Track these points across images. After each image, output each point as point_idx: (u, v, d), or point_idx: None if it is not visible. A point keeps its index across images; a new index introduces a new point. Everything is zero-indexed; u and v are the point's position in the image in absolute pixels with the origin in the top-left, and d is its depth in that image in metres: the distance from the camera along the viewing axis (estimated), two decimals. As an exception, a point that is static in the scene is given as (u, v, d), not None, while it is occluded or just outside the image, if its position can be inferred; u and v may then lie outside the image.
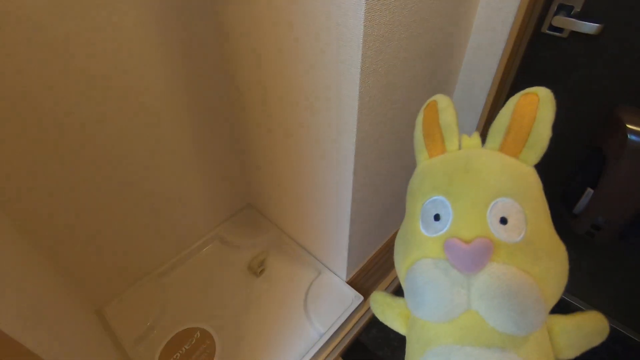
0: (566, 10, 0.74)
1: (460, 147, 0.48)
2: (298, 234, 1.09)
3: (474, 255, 0.39)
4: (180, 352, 0.85)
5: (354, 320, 0.96)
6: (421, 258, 0.44)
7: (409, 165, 0.95)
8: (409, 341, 0.51)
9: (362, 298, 0.96)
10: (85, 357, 0.57)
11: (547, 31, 0.79)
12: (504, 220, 0.40)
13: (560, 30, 0.77)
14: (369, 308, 1.00)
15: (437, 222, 0.43)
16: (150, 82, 0.76)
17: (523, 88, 0.83)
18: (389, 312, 0.58)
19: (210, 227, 1.14)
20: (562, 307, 0.43)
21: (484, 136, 0.48)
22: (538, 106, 0.42)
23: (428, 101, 0.50)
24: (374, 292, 0.64)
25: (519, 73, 0.86)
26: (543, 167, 0.45)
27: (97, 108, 0.71)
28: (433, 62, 0.74)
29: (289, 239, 1.11)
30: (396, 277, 1.08)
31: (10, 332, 0.32)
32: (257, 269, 1.03)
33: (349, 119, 0.64)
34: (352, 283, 1.00)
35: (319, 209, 0.90)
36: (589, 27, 0.72)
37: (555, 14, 0.75)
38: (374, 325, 1.04)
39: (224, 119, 0.97)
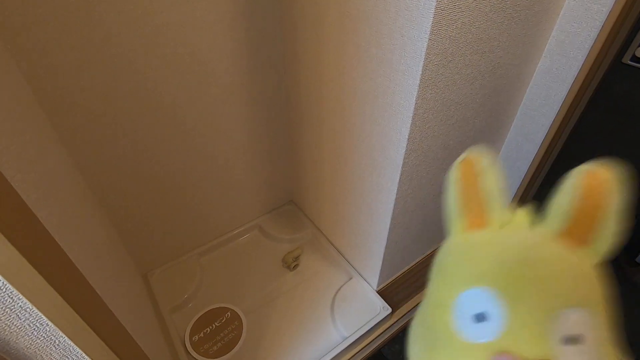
0: (653, 41, 0.69)
1: (506, 222, 0.39)
2: (335, 236, 1.10)
3: None
4: (211, 327, 0.90)
5: (379, 331, 0.96)
6: None
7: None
8: None
9: (390, 310, 0.95)
10: (135, 313, 0.63)
11: (629, 62, 0.74)
12: (573, 340, 0.30)
13: (643, 62, 0.72)
14: (395, 321, 0.98)
15: (481, 325, 0.33)
16: (221, 74, 0.83)
17: (595, 119, 0.73)
18: None
19: (252, 217, 1.19)
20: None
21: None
22: (610, 189, 0.34)
23: (462, 157, 0.41)
24: None
25: (591, 103, 0.81)
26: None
27: (175, 92, 0.79)
28: (495, 82, 0.73)
29: (325, 240, 1.13)
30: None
31: (86, 274, 0.38)
32: (291, 263, 1.06)
33: (401, 130, 0.64)
34: (382, 294, 1.00)
35: (358, 214, 0.91)
36: (678, 62, 0.66)
37: (640, 44, 0.70)
38: (399, 341, 1.02)
39: (279, 116, 1.01)
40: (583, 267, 0.34)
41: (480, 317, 0.33)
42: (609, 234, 0.34)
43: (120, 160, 0.80)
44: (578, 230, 0.35)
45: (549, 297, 0.31)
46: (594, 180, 0.35)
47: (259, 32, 0.83)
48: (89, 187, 0.78)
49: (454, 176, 0.42)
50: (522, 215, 0.38)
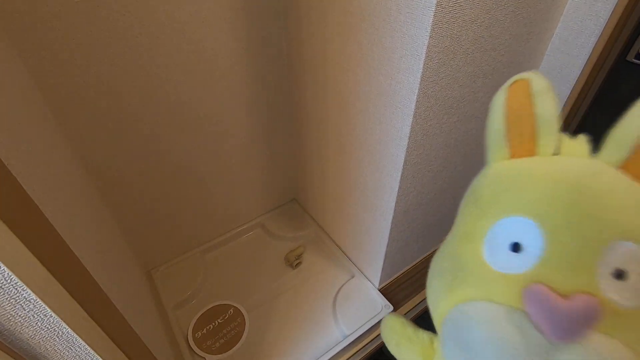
0: (658, 39, 0.69)
1: (556, 152, 0.34)
2: (337, 234, 1.11)
3: (574, 319, 0.27)
4: (213, 324, 0.91)
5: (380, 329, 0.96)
6: (481, 300, 0.31)
7: (459, 184, 0.93)
8: None
9: (391, 308, 0.95)
10: (137, 308, 0.64)
11: (634, 60, 0.73)
12: (620, 274, 0.28)
13: (648, 60, 0.71)
14: (397, 320, 0.98)
15: (516, 256, 0.30)
16: (225, 72, 0.84)
17: (598, 119, 0.70)
18: (406, 346, 0.51)
19: (255, 214, 1.20)
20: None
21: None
22: None
23: (515, 78, 0.37)
24: (389, 314, 0.53)
25: (594, 102, 0.81)
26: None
27: (180, 89, 0.79)
28: (498, 80, 0.73)
29: (327, 238, 1.14)
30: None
31: (90, 268, 0.38)
32: (293, 261, 1.07)
33: (403, 128, 0.65)
34: (383, 292, 1.00)
35: (360, 213, 0.91)
36: (683, 60, 0.66)
37: (645, 42, 0.70)
38: (400, 338, 1.02)
39: (283, 114, 1.02)
40: None
41: (515, 248, 0.31)
42: None
43: (124, 157, 0.81)
44: None
45: (604, 226, 0.29)
46: None
47: (263, 30, 0.84)
48: (94, 184, 0.80)
49: (502, 99, 0.37)
50: (579, 143, 0.34)
